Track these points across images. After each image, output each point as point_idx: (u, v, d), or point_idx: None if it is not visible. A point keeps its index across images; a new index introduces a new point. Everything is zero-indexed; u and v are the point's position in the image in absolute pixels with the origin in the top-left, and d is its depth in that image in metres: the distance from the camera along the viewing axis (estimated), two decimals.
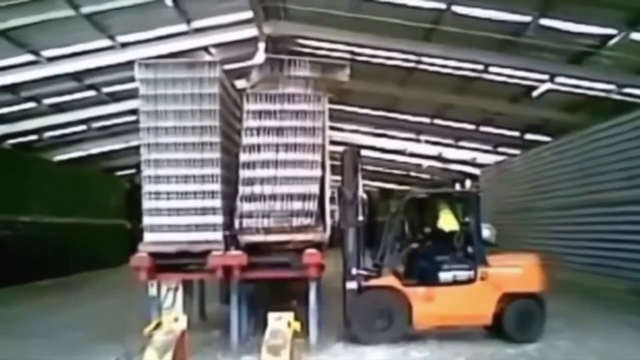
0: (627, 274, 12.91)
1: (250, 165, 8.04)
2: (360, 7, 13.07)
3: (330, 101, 8.89)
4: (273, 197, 8.00)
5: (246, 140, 8.08)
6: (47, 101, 16.83)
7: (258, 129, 8.08)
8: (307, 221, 8.02)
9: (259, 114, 8.11)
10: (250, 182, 8.02)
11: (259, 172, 8.02)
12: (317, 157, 8.13)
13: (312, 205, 8.04)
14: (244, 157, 8.05)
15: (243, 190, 8.01)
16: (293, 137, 8.11)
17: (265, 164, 8.04)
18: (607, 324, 9.50)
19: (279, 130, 8.10)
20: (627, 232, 13.12)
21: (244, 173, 8.03)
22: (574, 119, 17.04)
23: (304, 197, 8.02)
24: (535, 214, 18.78)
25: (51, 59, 13.84)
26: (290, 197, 8.02)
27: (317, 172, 8.13)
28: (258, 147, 8.06)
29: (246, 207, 7.99)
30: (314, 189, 8.08)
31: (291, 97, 8.22)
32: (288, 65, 8.70)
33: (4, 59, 13.46)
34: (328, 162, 8.61)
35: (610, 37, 12.51)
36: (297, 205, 8.02)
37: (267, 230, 7.98)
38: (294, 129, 8.12)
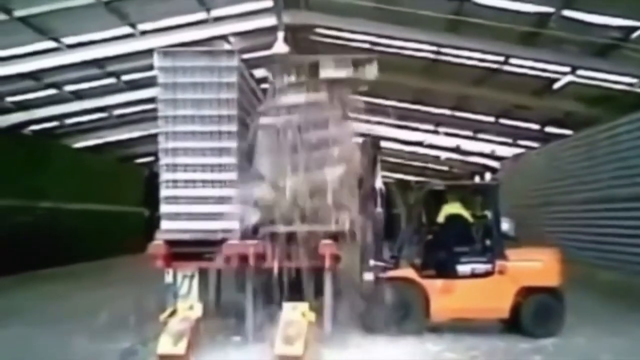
0: None
1: None
2: None
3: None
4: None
5: None
6: (68, 88, 16.93)
7: None
8: (327, 212, 7.89)
9: None
10: None
11: None
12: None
13: (333, 196, 7.92)
14: None
15: None
16: None
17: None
18: (623, 321, 9.45)
19: None
20: None
21: None
22: (595, 113, 16.77)
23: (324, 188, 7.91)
24: (553, 208, 18.59)
25: (71, 46, 13.90)
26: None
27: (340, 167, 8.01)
28: None
29: None
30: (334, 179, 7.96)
31: None
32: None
33: (25, 45, 13.53)
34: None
35: (635, 29, 12.26)
36: (317, 195, 7.90)
37: (288, 221, 7.90)
38: None
